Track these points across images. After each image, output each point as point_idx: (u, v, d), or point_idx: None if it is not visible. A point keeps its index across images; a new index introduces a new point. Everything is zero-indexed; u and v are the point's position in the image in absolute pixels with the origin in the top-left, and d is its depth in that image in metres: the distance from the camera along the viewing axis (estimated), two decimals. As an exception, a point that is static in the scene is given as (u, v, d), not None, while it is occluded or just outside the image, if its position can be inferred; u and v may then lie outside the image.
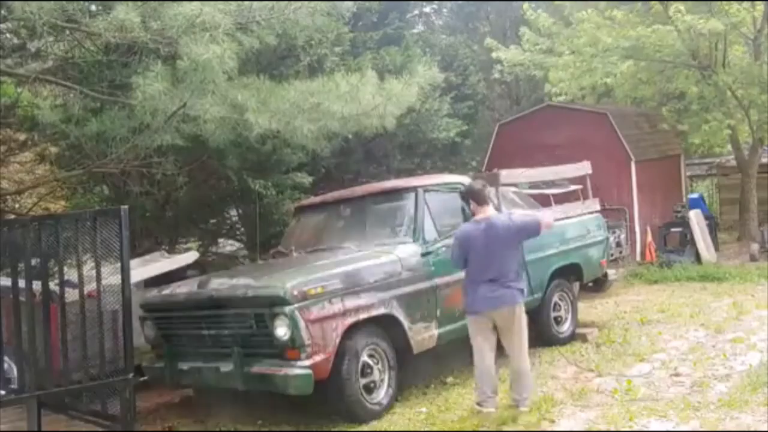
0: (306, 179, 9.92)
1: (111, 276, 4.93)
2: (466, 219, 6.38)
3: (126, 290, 4.86)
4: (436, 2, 22.46)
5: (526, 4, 14.36)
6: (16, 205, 9.41)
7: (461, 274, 6.29)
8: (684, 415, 4.91)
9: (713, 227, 12.91)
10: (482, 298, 5.28)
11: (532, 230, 5.48)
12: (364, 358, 5.50)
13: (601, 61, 12.32)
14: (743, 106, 12.43)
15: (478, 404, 5.34)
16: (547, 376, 6.19)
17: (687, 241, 12.09)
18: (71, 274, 5.25)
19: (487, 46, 14.84)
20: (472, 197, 5.55)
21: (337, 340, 5.29)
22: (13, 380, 5.58)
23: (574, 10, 13.32)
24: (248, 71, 7.23)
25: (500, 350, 5.48)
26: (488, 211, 5.48)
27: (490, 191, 6.02)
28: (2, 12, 6.45)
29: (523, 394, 5.32)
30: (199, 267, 8.35)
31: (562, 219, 7.81)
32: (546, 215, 6.01)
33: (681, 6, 11.14)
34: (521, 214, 5.94)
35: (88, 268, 5.06)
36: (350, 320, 5.39)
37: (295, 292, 5.15)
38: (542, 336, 7.30)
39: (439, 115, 12.38)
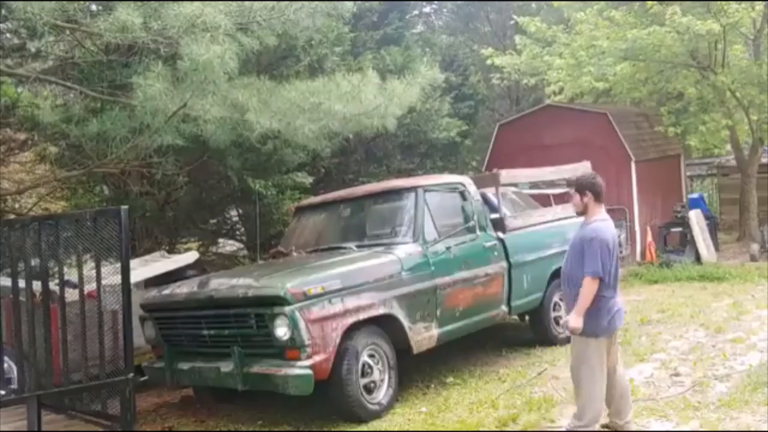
0: (306, 179, 9.93)
1: (111, 276, 4.93)
2: (466, 219, 6.40)
3: (126, 290, 4.86)
4: (436, 2, 22.48)
5: (517, 15, 14.38)
6: (16, 205, 9.41)
7: (461, 274, 6.31)
8: (684, 415, 4.92)
9: (713, 227, 12.90)
10: (617, 314, 4.51)
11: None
12: (364, 358, 5.50)
13: (596, 63, 12.31)
14: (743, 106, 12.42)
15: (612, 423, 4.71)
16: (547, 376, 6.19)
17: (687, 241, 12.09)
18: (71, 274, 5.26)
19: (483, 56, 14.86)
20: (592, 190, 4.59)
21: (337, 340, 5.29)
22: (13, 380, 5.59)
23: (572, 11, 13.32)
24: (249, 71, 7.24)
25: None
26: (604, 211, 4.66)
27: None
28: (2, 12, 6.45)
29: (629, 414, 4.71)
30: (199, 267, 8.34)
31: (562, 219, 7.81)
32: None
33: (677, 7, 11.14)
34: None
35: (88, 268, 5.06)
36: (350, 320, 5.39)
37: (295, 292, 5.15)
38: (542, 336, 7.32)
39: (440, 115, 12.39)
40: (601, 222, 4.55)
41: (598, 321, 4.42)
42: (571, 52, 12.88)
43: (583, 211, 4.64)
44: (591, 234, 4.50)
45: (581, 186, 4.61)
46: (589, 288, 4.37)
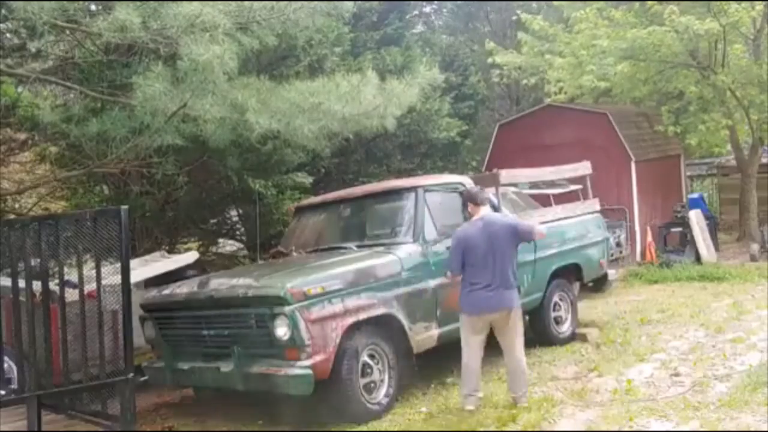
0: (306, 179, 9.93)
1: (111, 276, 4.92)
2: (466, 219, 6.39)
3: (126, 290, 4.86)
4: (436, 2, 22.48)
5: (520, 10, 14.37)
6: (16, 205, 9.41)
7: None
8: (684, 415, 4.91)
9: (713, 227, 12.91)
10: (480, 299, 5.35)
11: (526, 234, 5.56)
12: (364, 358, 5.50)
13: (597, 63, 12.32)
14: (743, 106, 12.42)
15: (464, 402, 5.45)
16: (547, 376, 6.18)
17: (687, 241, 12.09)
18: (71, 274, 5.26)
19: (487, 50, 14.86)
20: (469, 199, 5.70)
21: (337, 340, 5.28)
22: (13, 380, 5.59)
23: (572, 10, 13.32)
24: (248, 71, 7.24)
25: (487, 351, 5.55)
26: (484, 211, 5.60)
27: (488, 194, 6.07)
28: (2, 12, 6.45)
29: (520, 391, 5.42)
30: (199, 267, 8.34)
31: (562, 219, 7.81)
32: (539, 225, 6.10)
33: (675, 7, 11.13)
34: (516, 218, 6.05)
35: (88, 268, 5.06)
36: (350, 320, 5.39)
37: (295, 292, 5.15)
38: (542, 336, 7.31)
39: (440, 115, 12.39)
40: (470, 222, 5.61)
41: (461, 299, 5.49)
42: (571, 51, 12.89)
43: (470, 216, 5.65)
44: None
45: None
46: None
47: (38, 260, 5.22)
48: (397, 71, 9.47)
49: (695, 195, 14.31)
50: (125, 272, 4.85)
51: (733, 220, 14.73)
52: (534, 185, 8.78)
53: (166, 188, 9.13)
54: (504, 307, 5.37)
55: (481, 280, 5.34)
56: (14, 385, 5.43)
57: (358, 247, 6.25)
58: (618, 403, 5.26)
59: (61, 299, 5.16)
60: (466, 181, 6.93)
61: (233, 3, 6.24)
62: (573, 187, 8.78)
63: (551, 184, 8.83)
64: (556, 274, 7.37)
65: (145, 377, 6.27)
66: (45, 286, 5.11)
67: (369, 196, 6.84)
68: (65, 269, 5.26)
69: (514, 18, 14.99)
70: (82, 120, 7.01)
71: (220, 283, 5.79)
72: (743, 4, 11.32)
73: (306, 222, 7.26)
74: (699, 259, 11.63)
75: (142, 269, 7.49)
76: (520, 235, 5.52)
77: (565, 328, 7.43)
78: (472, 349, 5.43)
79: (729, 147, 14.73)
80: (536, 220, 7.46)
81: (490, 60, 14.68)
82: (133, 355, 5.08)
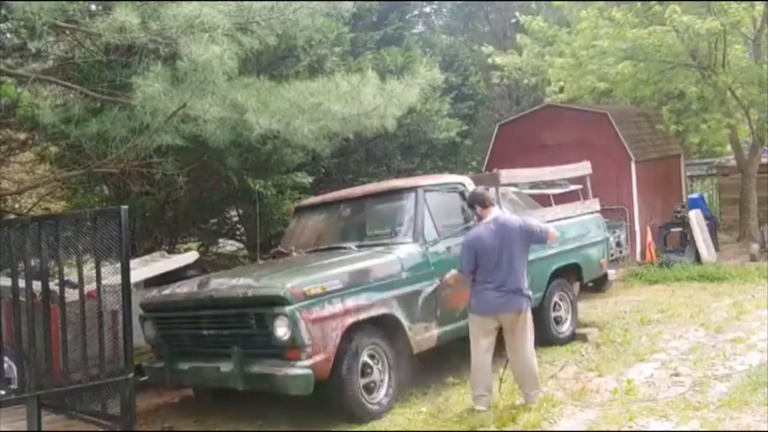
0: (306, 179, 9.93)
1: (111, 276, 4.93)
2: (466, 219, 6.39)
3: (126, 290, 4.86)
4: (436, 2, 22.47)
5: (519, 12, 14.35)
6: (16, 205, 9.42)
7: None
8: (684, 415, 4.91)
9: (713, 227, 12.89)
10: (491, 300, 5.34)
11: (540, 236, 5.53)
12: (364, 358, 5.50)
13: (597, 63, 12.31)
14: (743, 106, 12.42)
15: (474, 402, 5.43)
16: (547, 376, 6.18)
17: (687, 241, 12.08)
18: (71, 274, 5.26)
19: (485, 54, 14.85)
20: (476, 202, 5.61)
21: (338, 340, 5.29)
22: (13, 380, 5.58)
23: (573, 10, 13.31)
24: (248, 71, 7.24)
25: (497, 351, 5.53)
26: (495, 212, 5.55)
27: (493, 193, 6.06)
28: (2, 12, 6.45)
29: (532, 390, 5.43)
30: (199, 267, 8.34)
31: (562, 219, 7.81)
32: (552, 227, 5.99)
33: (677, 7, 11.13)
34: (532, 219, 5.97)
35: (88, 268, 5.06)
36: (350, 320, 5.39)
37: (295, 292, 5.15)
38: (542, 336, 7.26)
39: (440, 116, 12.38)
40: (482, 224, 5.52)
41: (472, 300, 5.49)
42: (572, 52, 12.88)
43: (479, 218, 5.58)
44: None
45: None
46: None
47: (38, 260, 5.23)
48: (397, 71, 9.47)
49: (695, 195, 14.30)
50: (125, 272, 4.85)
51: (733, 220, 14.72)
52: (534, 185, 8.78)
53: (166, 188, 9.13)
54: (515, 308, 5.35)
55: (494, 281, 5.32)
56: (14, 385, 5.43)
57: (358, 247, 6.25)
58: (618, 403, 5.27)
59: (61, 299, 5.16)
60: (466, 181, 6.93)
61: (233, 3, 6.24)
62: (573, 187, 8.78)
63: (551, 184, 8.83)
64: (556, 274, 7.37)
65: (145, 377, 6.27)
66: (45, 286, 5.11)
67: (369, 196, 6.84)
68: (65, 269, 5.26)
69: (514, 21, 14.97)
70: (82, 120, 7.01)
71: (220, 283, 5.79)
72: (743, 4, 11.31)
73: (306, 222, 7.26)
74: (699, 259, 11.63)
75: (142, 269, 7.49)
76: (535, 237, 5.51)
77: (565, 328, 7.43)
78: (482, 349, 5.43)
79: (729, 147, 14.72)
80: (536, 220, 7.48)
81: (490, 61, 14.66)
82: (133, 355, 5.08)
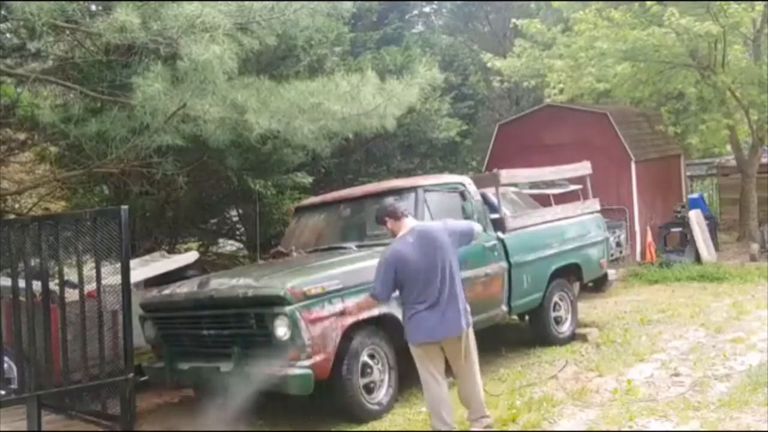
0: (306, 179, 9.93)
1: (111, 276, 4.93)
2: (466, 218, 6.39)
3: (126, 290, 4.86)
4: (436, 2, 22.48)
5: (517, 17, 14.34)
6: (16, 205, 9.42)
7: (461, 274, 6.29)
8: (684, 415, 4.91)
9: (713, 227, 12.91)
10: (428, 326, 4.77)
11: (466, 236, 5.04)
12: (364, 358, 5.50)
13: (596, 64, 12.31)
14: (743, 106, 12.43)
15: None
16: (547, 376, 6.18)
17: (687, 241, 12.09)
18: (71, 274, 5.26)
19: (484, 60, 14.85)
20: (386, 215, 5.03)
21: (338, 340, 5.28)
22: (13, 380, 5.59)
23: (572, 11, 13.31)
24: (248, 71, 7.24)
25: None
26: (410, 223, 5.01)
27: (402, 204, 5.53)
28: (2, 12, 6.45)
29: (482, 414, 4.93)
30: (199, 267, 8.35)
31: (562, 219, 7.81)
32: (476, 224, 5.43)
33: (675, 9, 11.13)
34: (452, 220, 5.37)
35: (88, 268, 5.06)
36: (350, 320, 5.39)
37: (295, 292, 5.15)
38: (542, 336, 7.31)
39: (439, 115, 12.39)
40: (399, 240, 4.93)
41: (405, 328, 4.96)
42: (571, 54, 12.88)
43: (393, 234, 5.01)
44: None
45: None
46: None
47: (38, 260, 5.23)
48: (397, 71, 9.47)
49: (695, 195, 14.31)
50: (125, 272, 4.86)
51: (733, 220, 14.72)
52: (534, 185, 8.78)
53: (166, 188, 9.13)
54: (455, 333, 4.77)
55: (426, 299, 4.74)
56: (14, 385, 5.43)
57: (358, 247, 6.25)
58: (618, 403, 5.26)
59: (61, 299, 5.17)
60: (466, 181, 6.93)
61: (233, 3, 6.24)
62: (573, 187, 8.78)
63: (551, 184, 8.83)
64: (556, 274, 7.37)
65: (145, 377, 6.27)
66: (45, 286, 5.11)
67: (369, 196, 6.83)
68: (65, 269, 5.26)
69: (511, 26, 14.96)
70: (82, 120, 7.01)
71: (220, 283, 5.79)
72: (743, 4, 11.32)
73: (306, 222, 7.26)
74: (699, 259, 11.64)
75: (142, 269, 7.50)
76: (463, 238, 5.01)
77: (565, 328, 7.44)
78: (431, 379, 4.82)
79: (729, 147, 14.73)
80: (537, 220, 7.49)
81: (489, 65, 14.68)
82: (133, 355, 5.09)
